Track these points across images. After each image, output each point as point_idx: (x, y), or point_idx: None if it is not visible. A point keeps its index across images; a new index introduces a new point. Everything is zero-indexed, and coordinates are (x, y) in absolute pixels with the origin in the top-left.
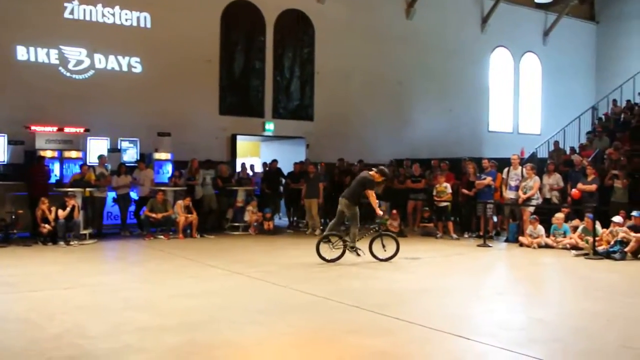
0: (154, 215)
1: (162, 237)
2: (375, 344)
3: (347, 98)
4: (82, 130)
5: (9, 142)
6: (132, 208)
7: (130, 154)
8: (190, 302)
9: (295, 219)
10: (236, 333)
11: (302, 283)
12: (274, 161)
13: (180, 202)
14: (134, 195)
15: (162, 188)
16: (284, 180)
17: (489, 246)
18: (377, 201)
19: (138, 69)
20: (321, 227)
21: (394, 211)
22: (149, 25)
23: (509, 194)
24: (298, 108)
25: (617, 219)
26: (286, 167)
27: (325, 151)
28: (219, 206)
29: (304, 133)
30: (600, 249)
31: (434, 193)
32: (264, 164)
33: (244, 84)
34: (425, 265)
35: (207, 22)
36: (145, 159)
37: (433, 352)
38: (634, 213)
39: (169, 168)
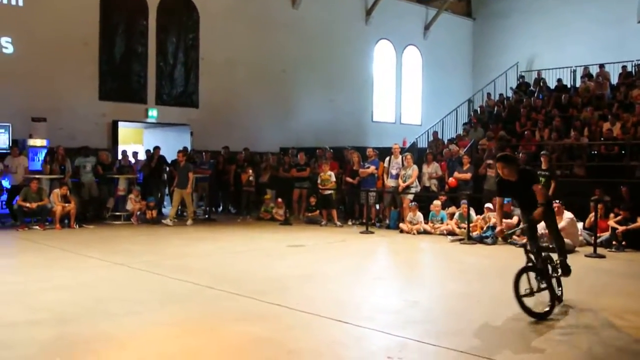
0: (27, 204)
1: (37, 227)
2: (257, 331)
3: (232, 86)
4: None
5: None
6: (4, 197)
7: (2, 140)
8: (64, 295)
9: (179, 207)
10: (113, 325)
11: (183, 272)
12: (157, 148)
13: (56, 191)
14: (5, 183)
15: (37, 176)
16: (167, 169)
17: (372, 233)
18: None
19: (9, 49)
20: (192, 217)
21: (279, 199)
22: (20, 3)
23: (390, 182)
24: (182, 95)
25: (489, 205)
26: (170, 154)
27: (210, 139)
28: (99, 195)
29: (188, 120)
30: (474, 234)
31: (319, 181)
32: (147, 152)
33: (125, 69)
34: (308, 252)
35: (85, 2)
36: (18, 145)
37: (314, 337)
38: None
39: (45, 155)
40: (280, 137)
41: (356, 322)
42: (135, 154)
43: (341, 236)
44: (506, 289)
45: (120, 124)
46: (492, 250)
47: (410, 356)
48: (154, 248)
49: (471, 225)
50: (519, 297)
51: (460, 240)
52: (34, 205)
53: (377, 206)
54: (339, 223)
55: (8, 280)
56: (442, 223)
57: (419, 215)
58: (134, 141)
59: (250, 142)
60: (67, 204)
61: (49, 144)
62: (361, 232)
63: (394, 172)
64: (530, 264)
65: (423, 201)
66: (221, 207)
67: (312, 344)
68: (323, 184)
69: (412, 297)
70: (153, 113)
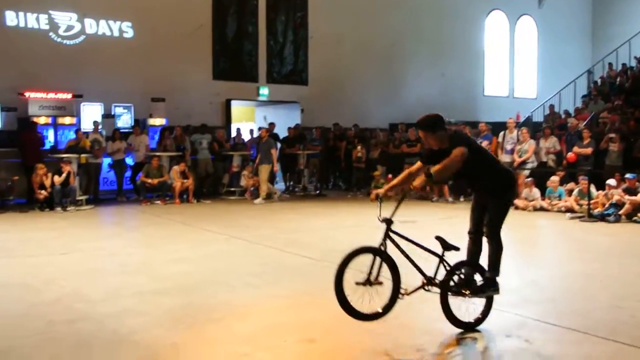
0: (149, 180)
1: (158, 202)
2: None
3: (341, 62)
4: (73, 96)
5: (2, 109)
6: (128, 174)
7: (125, 120)
8: (186, 266)
9: (291, 183)
10: (232, 295)
11: (296, 246)
12: (271, 124)
13: (175, 168)
14: (129, 161)
15: (157, 154)
16: (279, 145)
17: None
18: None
19: (130, 33)
20: (276, 193)
21: (390, 176)
22: None
23: (505, 158)
24: (292, 72)
25: (611, 181)
26: (281, 132)
27: (320, 116)
28: (215, 171)
29: (298, 97)
30: (595, 211)
31: None
32: (260, 129)
33: (237, 49)
34: (420, 228)
35: None
36: (139, 125)
37: (429, 312)
38: (628, 175)
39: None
40: (389, 113)
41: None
42: (251, 131)
43: (452, 212)
44: (633, 269)
45: (232, 102)
46: (615, 228)
47: (529, 335)
48: (268, 222)
49: (592, 202)
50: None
51: (579, 217)
52: (155, 181)
53: None
54: (450, 199)
55: (134, 252)
56: (559, 200)
57: (536, 192)
58: (246, 119)
59: (360, 118)
60: (185, 180)
61: (168, 123)
62: None
63: (508, 147)
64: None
65: (539, 177)
66: (332, 183)
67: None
68: None
69: (531, 275)
70: (264, 91)
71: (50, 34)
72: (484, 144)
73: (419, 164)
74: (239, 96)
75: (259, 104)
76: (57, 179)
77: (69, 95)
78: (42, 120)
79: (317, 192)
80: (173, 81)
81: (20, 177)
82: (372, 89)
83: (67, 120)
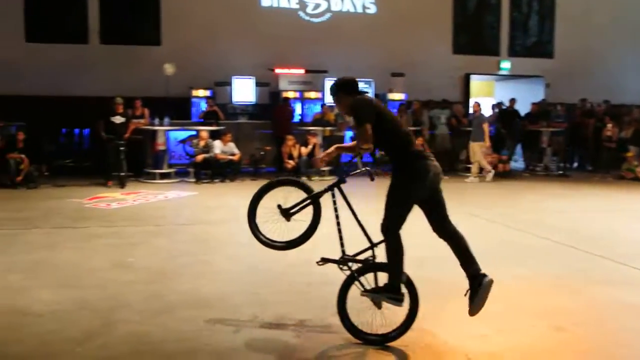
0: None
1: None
2: (624, 297)
3: (591, 32)
4: (319, 71)
5: (257, 84)
6: None
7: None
8: (421, 240)
9: (532, 162)
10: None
11: (538, 227)
12: (512, 100)
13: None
14: None
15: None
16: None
17: None
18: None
19: (372, 9)
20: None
21: None
22: None
23: None
24: (536, 45)
25: None
26: (523, 108)
27: (565, 90)
28: (452, 147)
29: (542, 71)
30: None
31: None
32: (496, 105)
33: (478, 21)
34: None
35: None
36: (380, 99)
37: None
38: None
39: None
40: None
41: None
42: (497, 105)
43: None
44: None
45: (472, 76)
46: None
47: None
48: (508, 201)
49: None
50: None
51: None
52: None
53: None
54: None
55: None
56: None
57: None
58: (485, 94)
59: (611, 93)
60: None
61: (407, 98)
62: None
63: None
64: None
65: None
66: (576, 164)
67: None
68: None
69: None
70: (506, 65)
71: (300, 12)
72: None
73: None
74: (479, 70)
75: (498, 78)
76: (304, 150)
77: (316, 71)
78: (290, 94)
79: (560, 172)
80: (413, 56)
81: (271, 148)
82: (627, 61)
83: (313, 94)
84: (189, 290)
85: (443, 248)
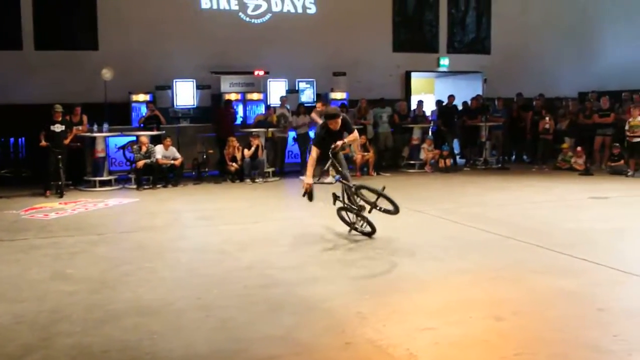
0: None
1: None
2: (563, 285)
3: (526, 28)
4: (263, 73)
5: (198, 87)
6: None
7: (308, 94)
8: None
9: (472, 156)
10: (418, 269)
11: (480, 221)
12: (451, 97)
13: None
14: (312, 134)
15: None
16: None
17: None
18: None
19: (312, 9)
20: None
21: (579, 148)
22: None
23: None
24: (474, 41)
25: None
26: (462, 103)
27: (503, 85)
28: (394, 144)
29: (480, 67)
30: None
31: (626, 128)
32: (438, 102)
33: (417, 19)
34: (614, 205)
35: None
36: (322, 99)
37: (626, 295)
38: None
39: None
40: (579, 80)
41: None
42: (439, 102)
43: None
44: None
45: (412, 74)
46: None
47: None
48: (450, 196)
49: None
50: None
51: None
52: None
53: None
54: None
55: (322, 223)
56: None
57: None
58: (425, 91)
59: (546, 87)
60: (366, 153)
61: (348, 97)
62: None
63: None
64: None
65: None
66: (514, 156)
67: (625, 303)
68: (632, 131)
69: None
70: (445, 62)
71: (240, 14)
72: None
73: (317, 151)
74: (419, 67)
75: (438, 74)
76: (247, 152)
77: (257, 73)
78: (232, 96)
79: (499, 165)
80: (354, 55)
81: (214, 151)
82: (560, 56)
83: (255, 96)
84: (131, 299)
85: (375, 249)
